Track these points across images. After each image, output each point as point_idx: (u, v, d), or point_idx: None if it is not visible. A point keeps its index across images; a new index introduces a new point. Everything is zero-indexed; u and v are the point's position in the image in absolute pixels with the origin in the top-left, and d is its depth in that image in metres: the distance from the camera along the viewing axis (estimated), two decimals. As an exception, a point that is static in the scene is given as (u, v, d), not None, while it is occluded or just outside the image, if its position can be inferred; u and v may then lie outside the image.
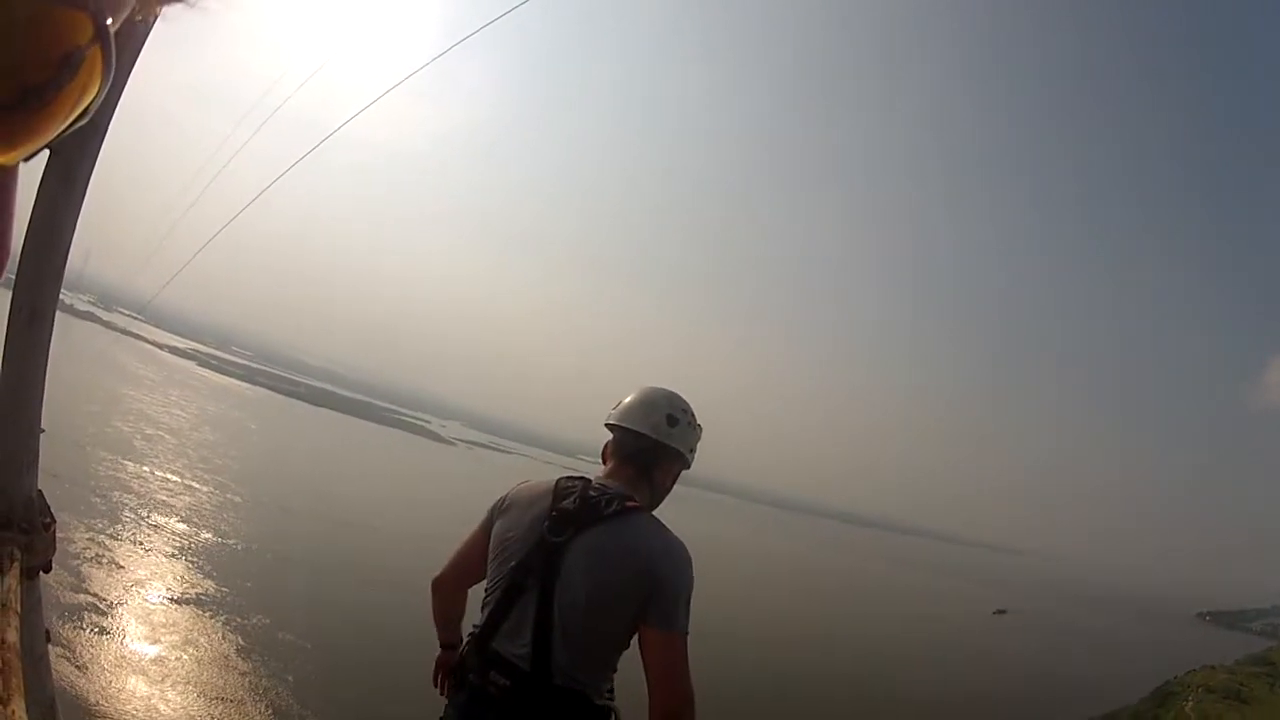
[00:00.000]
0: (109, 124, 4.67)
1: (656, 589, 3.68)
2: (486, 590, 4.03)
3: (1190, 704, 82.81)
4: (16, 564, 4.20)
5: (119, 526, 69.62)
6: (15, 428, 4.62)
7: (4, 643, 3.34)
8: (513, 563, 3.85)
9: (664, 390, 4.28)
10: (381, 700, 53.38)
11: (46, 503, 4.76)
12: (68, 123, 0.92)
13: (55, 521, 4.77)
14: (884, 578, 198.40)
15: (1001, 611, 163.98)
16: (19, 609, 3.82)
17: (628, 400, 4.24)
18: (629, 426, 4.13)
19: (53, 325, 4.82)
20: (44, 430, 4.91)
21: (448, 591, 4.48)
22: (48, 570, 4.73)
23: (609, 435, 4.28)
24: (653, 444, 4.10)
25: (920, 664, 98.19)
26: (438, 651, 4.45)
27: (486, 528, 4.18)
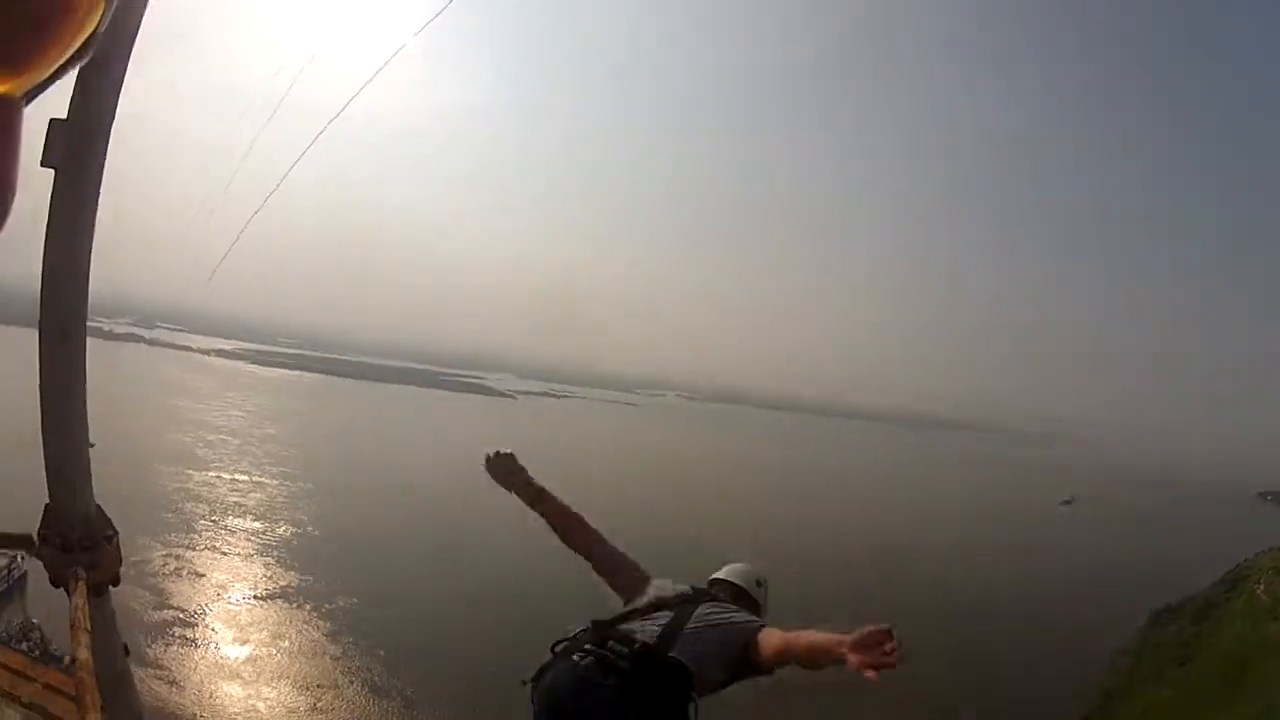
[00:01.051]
0: (109, 136, 4.59)
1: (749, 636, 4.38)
2: (631, 598, 4.81)
3: (1261, 587, 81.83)
4: (82, 582, 4.16)
5: (194, 536, 70.45)
6: (63, 449, 4.57)
7: (76, 661, 3.31)
8: (663, 591, 4.72)
9: (754, 568, 5.49)
10: (473, 662, 54.03)
11: (106, 516, 4.73)
12: (73, 48, 0.77)
13: (117, 534, 4.73)
14: (947, 478, 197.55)
15: (1068, 501, 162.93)
16: (89, 626, 3.79)
17: (731, 565, 5.44)
18: (732, 580, 5.28)
19: (85, 343, 4.76)
20: (93, 445, 4.87)
21: (578, 529, 5.28)
22: (116, 584, 4.69)
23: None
24: (746, 594, 5.20)
25: (991, 562, 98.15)
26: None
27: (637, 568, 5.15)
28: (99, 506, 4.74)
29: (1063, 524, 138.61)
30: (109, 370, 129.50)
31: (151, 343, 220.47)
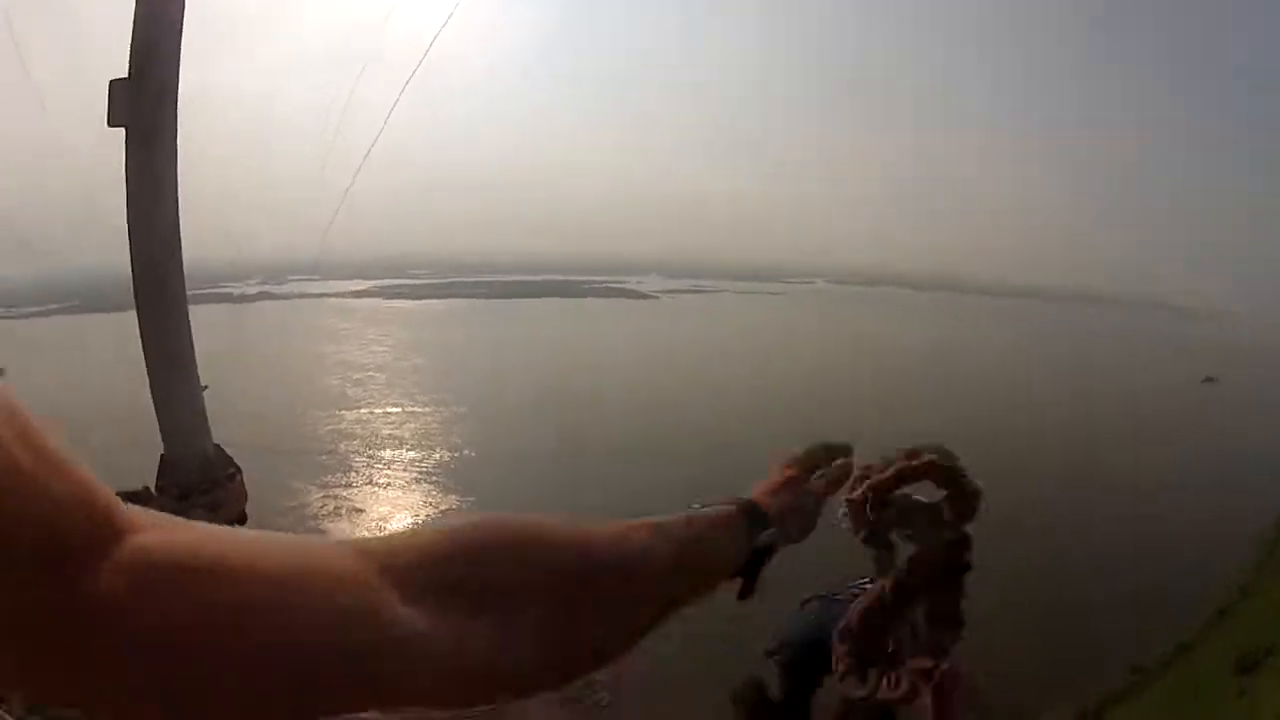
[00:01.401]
0: (175, 89, 4.62)
1: None
2: None
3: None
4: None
5: (351, 474, 72.11)
6: (173, 397, 4.65)
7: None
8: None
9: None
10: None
11: (227, 455, 4.81)
12: None
13: (239, 470, 4.81)
14: (1075, 355, 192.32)
15: (1211, 379, 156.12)
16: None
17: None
18: None
19: (183, 289, 4.82)
20: (206, 387, 4.95)
21: None
22: (243, 521, 4.78)
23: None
24: None
25: (1125, 443, 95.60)
26: None
27: None
28: (218, 446, 4.83)
29: (1203, 403, 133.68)
30: (247, 329, 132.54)
31: (285, 296, 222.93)
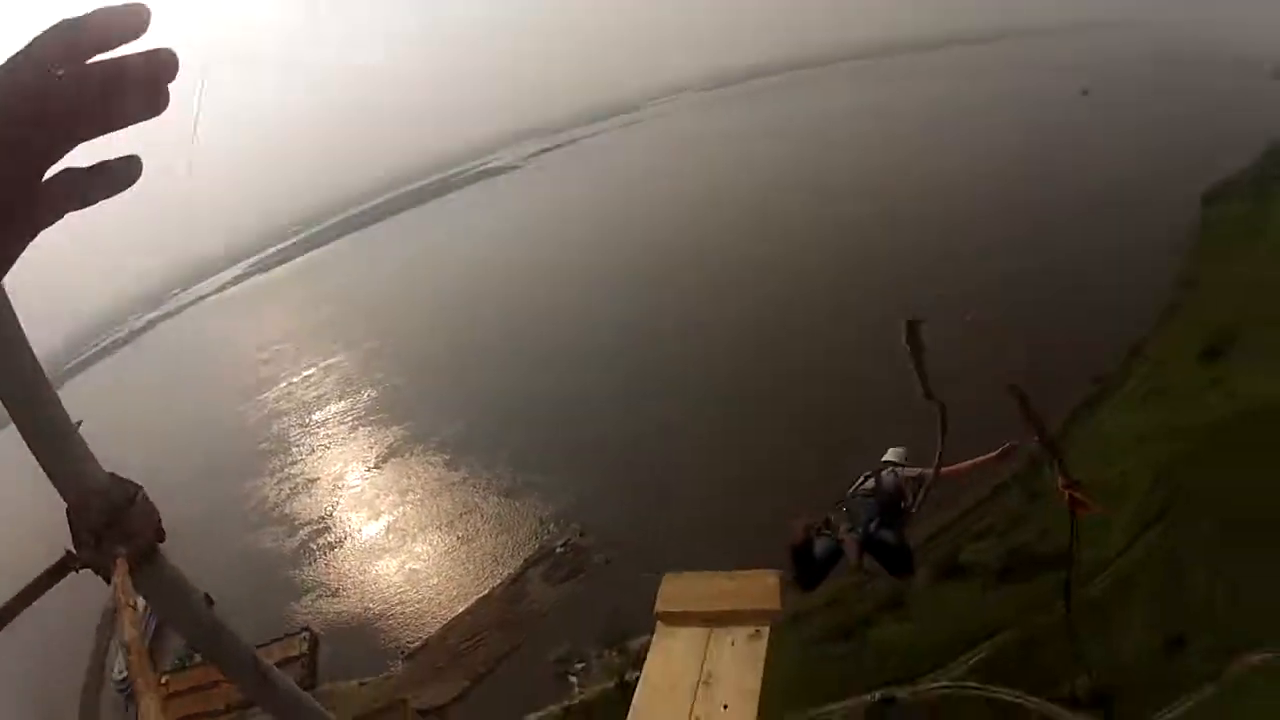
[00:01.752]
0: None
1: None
2: None
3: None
4: (120, 559, 3.86)
5: (292, 450, 71.59)
6: (48, 445, 4.19)
7: (127, 644, 3.02)
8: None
9: (902, 449, 8.54)
10: (583, 441, 55.06)
11: (121, 478, 4.39)
12: None
13: (140, 489, 4.38)
14: (953, 98, 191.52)
15: (1086, 92, 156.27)
16: (133, 603, 3.48)
17: (893, 449, 8.43)
18: (895, 459, 8.30)
19: (21, 334, 4.35)
20: (80, 422, 4.52)
21: None
22: (161, 539, 4.38)
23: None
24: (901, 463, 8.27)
25: (1014, 167, 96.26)
26: None
27: None
28: (111, 474, 4.42)
29: (1085, 114, 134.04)
30: (147, 366, 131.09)
31: (172, 313, 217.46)
